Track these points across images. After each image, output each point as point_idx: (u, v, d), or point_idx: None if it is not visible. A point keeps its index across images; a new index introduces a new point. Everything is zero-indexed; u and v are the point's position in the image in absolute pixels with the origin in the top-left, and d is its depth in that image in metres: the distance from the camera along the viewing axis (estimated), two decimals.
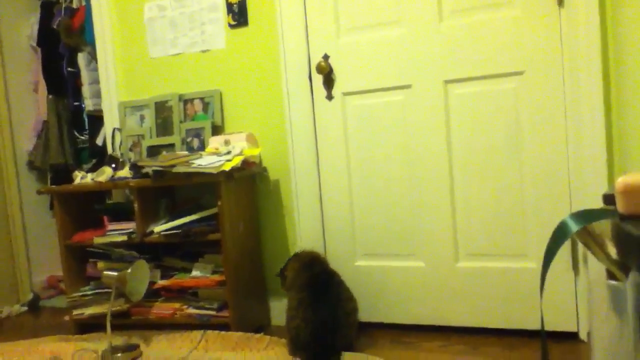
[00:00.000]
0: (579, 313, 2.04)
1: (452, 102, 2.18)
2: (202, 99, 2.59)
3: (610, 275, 0.91)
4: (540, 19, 2.01)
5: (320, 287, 2.06)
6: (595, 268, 0.95)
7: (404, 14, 2.21)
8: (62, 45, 3.11)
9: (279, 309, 2.43)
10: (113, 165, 2.58)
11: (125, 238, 2.41)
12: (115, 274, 2.22)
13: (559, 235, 0.88)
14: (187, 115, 2.61)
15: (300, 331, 1.96)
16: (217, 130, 2.55)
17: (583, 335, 2.05)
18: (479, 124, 2.14)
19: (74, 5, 3.12)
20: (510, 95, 2.08)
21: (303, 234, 2.44)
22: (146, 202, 2.43)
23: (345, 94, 2.34)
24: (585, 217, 0.89)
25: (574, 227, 0.87)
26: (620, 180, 0.83)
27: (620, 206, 0.83)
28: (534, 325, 2.11)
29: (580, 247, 1.95)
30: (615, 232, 0.82)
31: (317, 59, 2.35)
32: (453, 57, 2.15)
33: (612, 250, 0.86)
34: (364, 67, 2.29)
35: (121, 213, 2.51)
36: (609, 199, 0.92)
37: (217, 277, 2.33)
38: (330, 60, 2.34)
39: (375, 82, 2.28)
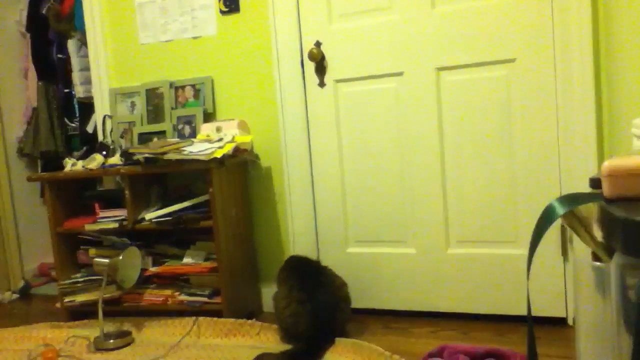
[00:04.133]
0: (567, 299, 2.07)
1: (444, 90, 2.18)
2: (193, 85, 2.57)
3: (596, 258, 0.92)
4: (532, 6, 2.01)
5: (308, 274, 2.07)
6: (581, 251, 0.96)
7: None
8: (52, 31, 3.08)
9: (270, 295, 2.43)
10: (104, 153, 2.57)
11: (116, 225, 2.41)
12: (107, 261, 2.22)
13: (546, 218, 0.89)
14: (179, 102, 2.60)
15: (299, 317, 1.96)
16: (208, 117, 2.54)
17: (571, 321, 2.07)
18: (470, 111, 2.14)
19: None
20: (502, 82, 2.08)
21: (295, 220, 2.44)
22: (137, 189, 2.42)
23: (337, 81, 2.33)
24: (572, 200, 0.90)
25: (560, 210, 0.88)
26: (606, 164, 0.84)
27: (606, 189, 0.84)
28: (524, 311, 2.13)
29: (569, 231, 1.97)
30: (600, 215, 0.83)
31: (309, 45, 2.34)
32: (445, 44, 2.15)
33: (598, 233, 0.87)
34: (356, 54, 2.28)
35: (112, 200, 2.50)
36: (595, 182, 0.93)
37: (209, 264, 2.33)
38: (322, 47, 2.33)
39: (367, 69, 2.28)
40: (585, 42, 1.93)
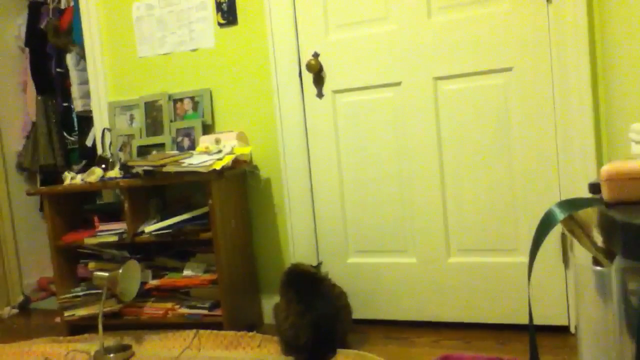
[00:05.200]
0: (569, 306, 2.06)
1: (441, 99, 2.18)
2: (192, 98, 2.58)
3: (596, 263, 0.92)
4: (528, 15, 2.02)
5: (307, 285, 2.06)
6: (581, 256, 0.96)
7: (392, 10, 2.22)
8: (50, 45, 3.09)
9: (271, 307, 2.42)
10: (103, 166, 2.57)
11: (115, 238, 2.40)
12: (107, 274, 2.22)
13: (546, 223, 0.89)
14: (177, 115, 2.61)
15: (299, 329, 1.95)
16: (207, 129, 2.55)
17: (574, 329, 2.06)
18: (468, 120, 2.15)
19: (62, 6, 3.10)
20: (500, 91, 2.09)
21: (295, 232, 2.44)
22: (136, 202, 2.42)
23: (336, 91, 2.34)
24: (571, 205, 0.90)
25: (560, 215, 0.88)
26: (605, 169, 0.84)
27: (605, 194, 0.84)
28: (526, 319, 2.12)
29: (569, 239, 1.96)
30: (600, 219, 0.83)
31: (307, 57, 2.36)
32: (442, 53, 2.16)
33: (598, 238, 0.87)
34: (354, 64, 2.29)
35: (112, 213, 2.50)
36: (594, 187, 0.93)
37: (209, 276, 2.32)
38: (320, 58, 2.34)
39: (365, 79, 2.28)
40: (581, 49, 1.94)
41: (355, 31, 2.29)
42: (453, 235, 2.21)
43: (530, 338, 1.08)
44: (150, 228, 2.35)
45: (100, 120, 2.76)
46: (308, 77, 2.37)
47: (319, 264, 2.34)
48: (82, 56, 2.91)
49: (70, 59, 3.01)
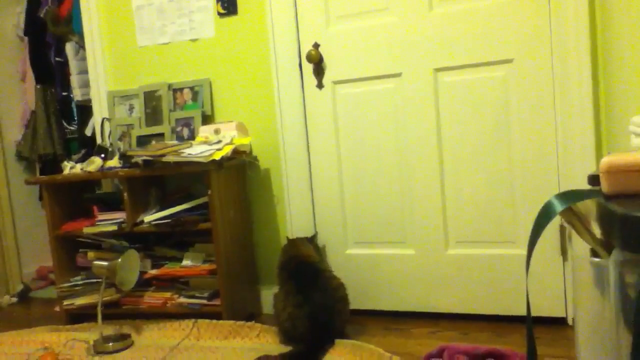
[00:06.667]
0: (567, 298, 2.06)
1: (441, 90, 2.18)
2: (191, 88, 2.57)
3: (595, 255, 0.92)
4: (529, 7, 2.01)
5: (305, 276, 2.07)
6: (580, 248, 0.96)
7: (393, 1, 2.21)
8: (50, 34, 3.08)
9: (270, 298, 2.43)
10: (102, 155, 2.56)
11: (115, 228, 2.40)
12: (106, 263, 2.22)
13: (545, 215, 0.89)
14: (177, 105, 2.60)
15: (296, 320, 1.96)
16: (207, 119, 2.54)
17: (571, 321, 2.07)
18: (468, 111, 2.14)
19: None
20: (500, 83, 2.09)
21: (294, 222, 2.44)
22: (136, 192, 2.41)
23: (336, 82, 2.33)
24: (570, 197, 0.90)
25: (558, 207, 0.88)
26: (604, 161, 0.84)
27: (604, 186, 0.84)
28: (523, 311, 2.13)
29: (568, 231, 1.96)
30: (599, 211, 0.83)
31: (307, 47, 2.35)
32: (443, 45, 2.15)
33: (597, 230, 0.87)
34: (354, 55, 2.29)
35: (111, 203, 2.49)
36: (594, 179, 0.93)
37: (208, 266, 2.33)
38: (320, 49, 2.33)
39: (365, 70, 2.28)
40: (582, 41, 1.93)
41: (356, 22, 2.28)
42: (452, 227, 2.22)
43: (528, 330, 1.08)
44: (149, 218, 2.35)
45: (100, 110, 2.75)
46: (308, 68, 2.36)
47: (314, 234, 2.34)
48: (81, 45, 2.90)
49: (69, 48, 3.00)
